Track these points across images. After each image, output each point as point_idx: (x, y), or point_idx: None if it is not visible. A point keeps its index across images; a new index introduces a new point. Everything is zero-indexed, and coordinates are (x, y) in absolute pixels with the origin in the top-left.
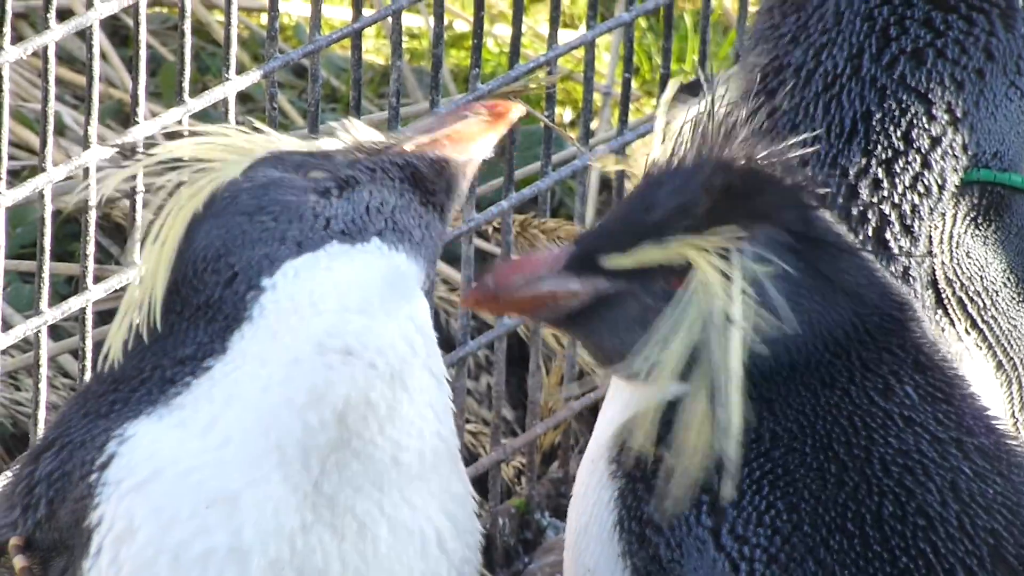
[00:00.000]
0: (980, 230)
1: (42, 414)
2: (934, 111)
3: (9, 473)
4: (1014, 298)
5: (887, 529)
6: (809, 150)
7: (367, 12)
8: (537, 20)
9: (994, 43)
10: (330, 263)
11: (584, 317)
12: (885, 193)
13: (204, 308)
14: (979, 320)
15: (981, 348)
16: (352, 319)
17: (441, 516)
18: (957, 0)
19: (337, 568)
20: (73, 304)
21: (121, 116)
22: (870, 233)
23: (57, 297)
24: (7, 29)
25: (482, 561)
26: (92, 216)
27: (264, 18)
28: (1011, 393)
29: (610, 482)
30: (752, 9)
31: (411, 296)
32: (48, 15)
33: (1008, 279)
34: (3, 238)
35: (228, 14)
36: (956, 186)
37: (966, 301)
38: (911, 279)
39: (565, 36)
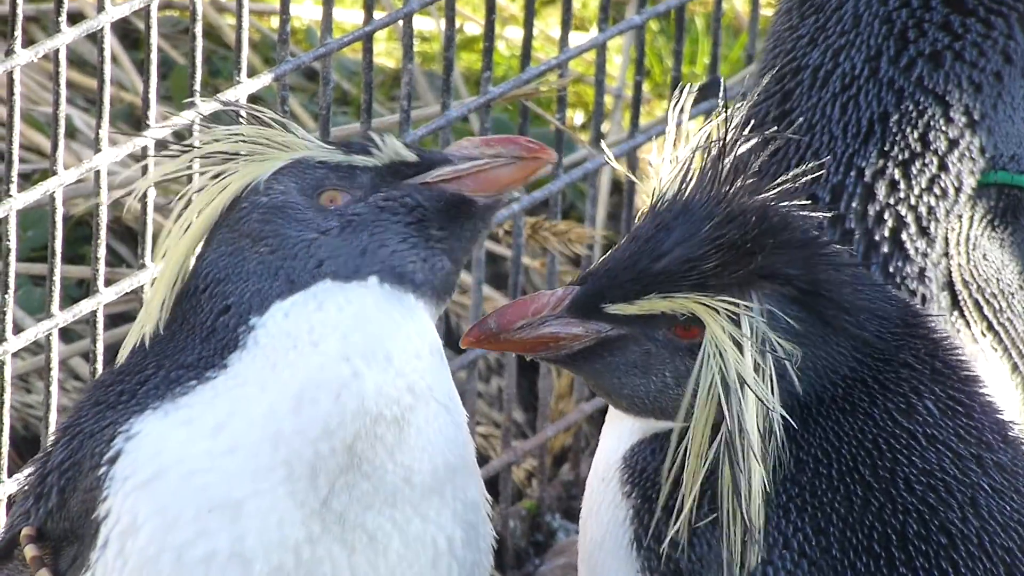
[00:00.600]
0: (997, 232)
1: (53, 417)
2: (952, 113)
3: (24, 472)
4: None
5: (911, 549)
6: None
7: (378, 15)
8: (548, 23)
9: (1012, 46)
10: (320, 303)
11: (584, 358)
12: (902, 195)
13: (201, 328)
14: (995, 322)
15: (997, 350)
16: (354, 356)
17: (454, 525)
18: (975, 3)
19: None
20: (84, 307)
21: (132, 119)
22: (887, 234)
23: (68, 300)
24: (19, 32)
25: (493, 563)
26: (103, 219)
27: (275, 21)
28: None
29: (624, 501)
30: (763, 12)
31: (418, 323)
32: (59, 18)
33: None
34: (14, 241)
35: (239, 17)
36: (973, 188)
37: (982, 303)
38: (927, 280)
39: (576, 39)
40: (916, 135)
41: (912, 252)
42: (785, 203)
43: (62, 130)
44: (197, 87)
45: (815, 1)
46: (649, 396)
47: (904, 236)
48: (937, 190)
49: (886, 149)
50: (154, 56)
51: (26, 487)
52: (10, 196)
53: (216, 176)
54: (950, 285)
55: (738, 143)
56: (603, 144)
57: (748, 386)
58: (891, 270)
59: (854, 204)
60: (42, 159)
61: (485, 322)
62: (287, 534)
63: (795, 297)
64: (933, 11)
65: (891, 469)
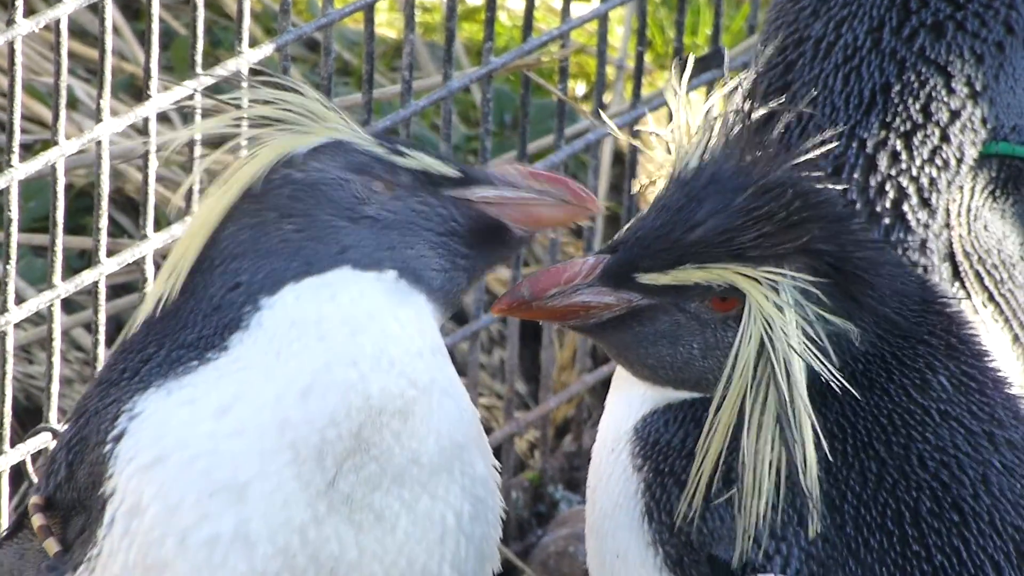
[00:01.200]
0: (998, 203)
1: (55, 388)
2: (953, 84)
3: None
4: None
5: (924, 526)
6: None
7: None
8: None
9: (1014, 16)
10: (334, 293)
11: (613, 327)
12: (903, 166)
13: (208, 303)
14: (996, 293)
15: (997, 321)
16: (361, 349)
17: (463, 500)
18: None
19: (354, 555)
20: (86, 277)
21: (133, 90)
22: (888, 205)
23: (70, 271)
24: (20, 3)
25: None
26: (104, 189)
27: None
28: None
29: (635, 474)
30: None
31: (422, 323)
32: None
33: None
34: (16, 211)
35: None
36: (974, 160)
37: (983, 274)
38: (928, 252)
39: (578, 9)
40: (918, 106)
41: (913, 223)
42: (810, 176)
43: (63, 101)
44: (198, 58)
45: None
46: (674, 367)
47: (906, 207)
48: (939, 161)
49: (888, 120)
50: (155, 26)
51: (40, 468)
52: (11, 167)
53: (252, 141)
54: (951, 256)
55: (757, 112)
56: (604, 115)
57: (797, 353)
58: (893, 241)
59: (856, 175)
60: (43, 130)
61: (518, 289)
62: (292, 515)
63: (826, 272)
64: None
65: (905, 445)
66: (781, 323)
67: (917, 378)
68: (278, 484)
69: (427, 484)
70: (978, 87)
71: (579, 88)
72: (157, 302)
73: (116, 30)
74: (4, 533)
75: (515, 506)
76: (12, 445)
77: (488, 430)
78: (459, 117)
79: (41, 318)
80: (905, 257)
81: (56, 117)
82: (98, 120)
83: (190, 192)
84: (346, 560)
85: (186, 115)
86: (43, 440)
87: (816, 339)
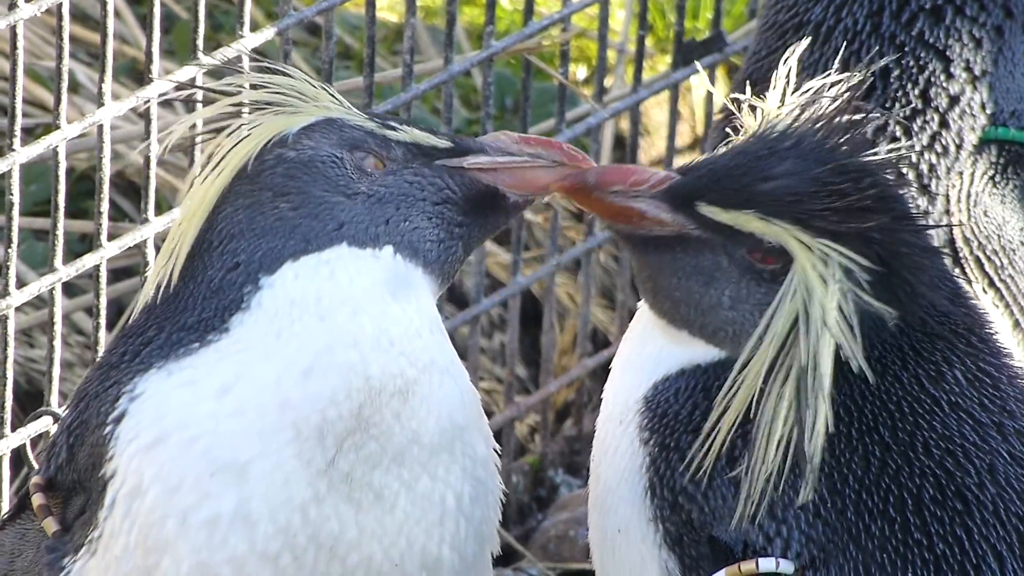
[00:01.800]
0: (998, 189)
1: (56, 371)
2: (952, 69)
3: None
4: None
5: (926, 514)
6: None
7: None
8: None
9: (1013, 0)
10: (333, 271)
11: (656, 246)
12: (903, 152)
13: (208, 285)
14: (996, 279)
15: (998, 307)
16: (362, 330)
17: (463, 481)
18: None
19: (353, 534)
20: (87, 261)
21: (135, 74)
22: None
23: (71, 255)
24: None
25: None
26: (106, 173)
27: None
28: None
29: (641, 448)
30: None
31: (420, 301)
32: None
33: None
34: (17, 195)
35: None
36: (974, 145)
37: (983, 260)
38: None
39: None
40: (917, 91)
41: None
42: (891, 173)
43: (65, 84)
44: (200, 42)
45: None
46: (700, 308)
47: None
48: (938, 147)
49: (887, 106)
50: (157, 10)
51: (40, 452)
52: (13, 150)
53: (244, 124)
54: (951, 242)
55: (854, 99)
56: (604, 102)
57: (830, 328)
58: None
59: None
60: (45, 113)
61: (584, 174)
62: (293, 494)
63: (875, 261)
64: None
65: (911, 432)
66: (821, 295)
67: (932, 370)
68: (279, 463)
69: (427, 464)
70: (977, 72)
71: (580, 72)
72: (157, 287)
73: (118, 14)
74: (6, 515)
75: (515, 490)
76: (13, 429)
77: (488, 414)
78: (460, 101)
79: (42, 302)
80: None
81: (58, 101)
82: (100, 104)
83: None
84: (346, 539)
85: (187, 99)
86: (44, 424)
87: (848, 319)
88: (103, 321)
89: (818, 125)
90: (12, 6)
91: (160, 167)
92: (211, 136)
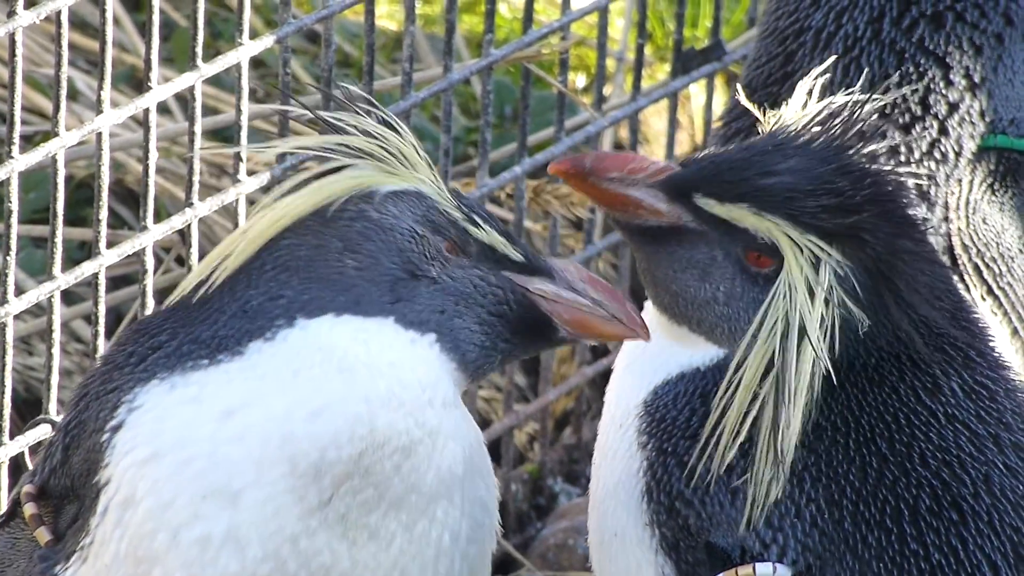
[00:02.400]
0: (996, 196)
1: (54, 379)
2: (952, 76)
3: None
4: None
5: (923, 524)
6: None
7: None
8: None
9: (1013, 8)
10: (370, 338)
11: (652, 237)
12: (902, 158)
13: (244, 302)
14: (995, 286)
15: (996, 314)
16: (375, 390)
17: (460, 522)
18: None
19: (346, 565)
20: (86, 269)
21: (134, 81)
22: None
23: (70, 262)
24: None
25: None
26: (105, 181)
27: None
28: None
29: (639, 452)
30: None
31: (440, 382)
32: None
33: None
34: (16, 203)
35: None
36: (973, 152)
37: (982, 267)
38: None
39: (578, 2)
40: (916, 98)
41: None
42: (893, 174)
43: (64, 92)
44: (199, 49)
45: None
46: (694, 303)
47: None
48: (937, 154)
49: (887, 112)
50: (156, 18)
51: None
52: (12, 158)
53: (342, 164)
54: (950, 249)
55: (869, 103)
56: (603, 110)
57: (809, 337)
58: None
59: None
60: (44, 121)
61: (581, 159)
62: (284, 525)
63: (869, 266)
64: None
65: (907, 443)
66: (803, 302)
67: (929, 382)
68: (271, 495)
69: (426, 510)
70: (976, 79)
71: (579, 80)
72: (197, 286)
73: (117, 21)
74: None
75: (514, 499)
76: (11, 437)
77: (487, 423)
78: (459, 109)
79: (41, 309)
80: None
81: (57, 108)
82: (98, 111)
83: (191, 185)
84: (338, 570)
85: (186, 107)
86: (42, 432)
87: (831, 324)
88: (102, 329)
89: (832, 129)
90: (11, 13)
91: (159, 175)
92: (210, 143)
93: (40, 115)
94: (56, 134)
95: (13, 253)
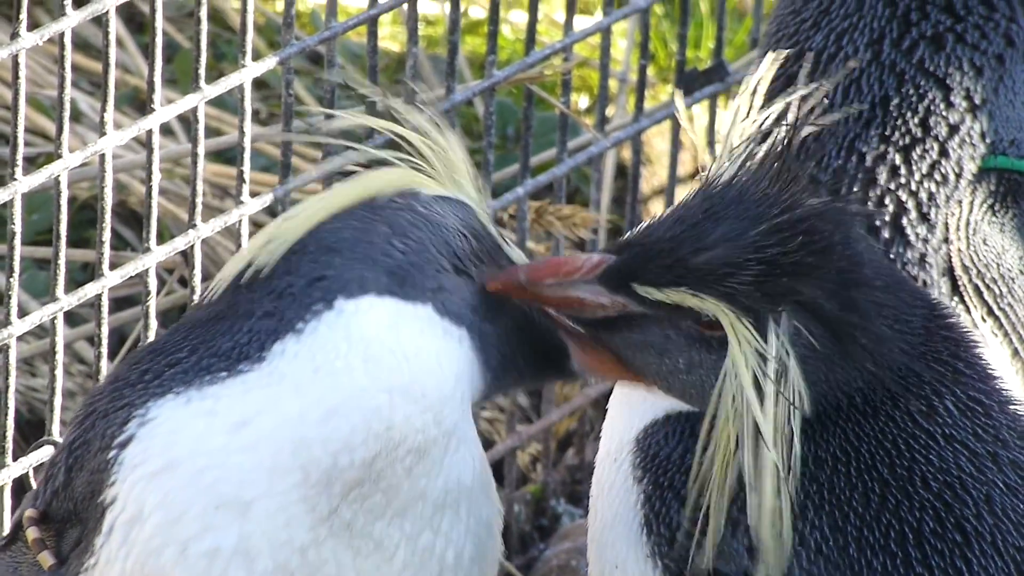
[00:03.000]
0: (997, 217)
1: (58, 400)
2: (952, 98)
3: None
4: None
5: (927, 547)
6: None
7: None
8: (553, 7)
9: (1014, 29)
10: (404, 322)
11: (605, 327)
12: (903, 180)
13: (273, 298)
14: (995, 307)
15: (997, 335)
16: (399, 376)
17: (465, 539)
18: None
19: None
20: (89, 290)
21: (137, 103)
22: (887, 219)
23: (73, 283)
24: (24, 15)
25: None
26: (108, 202)
27: (280, 5)
28: None
29: (635, 485)
30: None
31: (462, 378)
32: (64, 1)
33: None
34: (19, 224)
35: (244, 1)
36: (973, 173)
37: (982, 288)
38: (927, 266)
39: (581, 23)
40: (917, 120)
41: (913, 238)
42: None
43: (67, 113)
44: (202, 71)
45: None
46: (660, 376)
47: (904, 222)
48: (938, 176)
49: (887, 134)
50: (159, 39)
51: (42, 469)
52: (15, 179)
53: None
54: (950, 271)
55: (800, 136)
56: (606, 131)
57: (757, 412)
58: (892, 256)
59: (855, 189)
60: (47, 142)
61: (515, 272)
62: (294, 535)
63: (821, 319)
64: None
65: (908, 467)
66: (749, 383)
67: (923, 404)
68: (283, 505)
69: (431, 519)
70: (977, 100)
71: (582, 101)
72: (245, 267)
73: (120, 43)
74: (0, 545)
75: (517, 520)
76: (15, 458)
77: (490, 444)
78: (462, 130)
79: (44, 331)
80: (904, 272)
81: (60, 130)
82: (101, 133)
83: (194, 206)
84: None
85: (189, 128)
86: (46, 453)
87: (795, 382)
88: (105, 350)
89: (761, 173)
90: (14, 35)
91: (162, 196)
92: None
93: (43, 136)
94: (59, 155)
95: (16, 274)
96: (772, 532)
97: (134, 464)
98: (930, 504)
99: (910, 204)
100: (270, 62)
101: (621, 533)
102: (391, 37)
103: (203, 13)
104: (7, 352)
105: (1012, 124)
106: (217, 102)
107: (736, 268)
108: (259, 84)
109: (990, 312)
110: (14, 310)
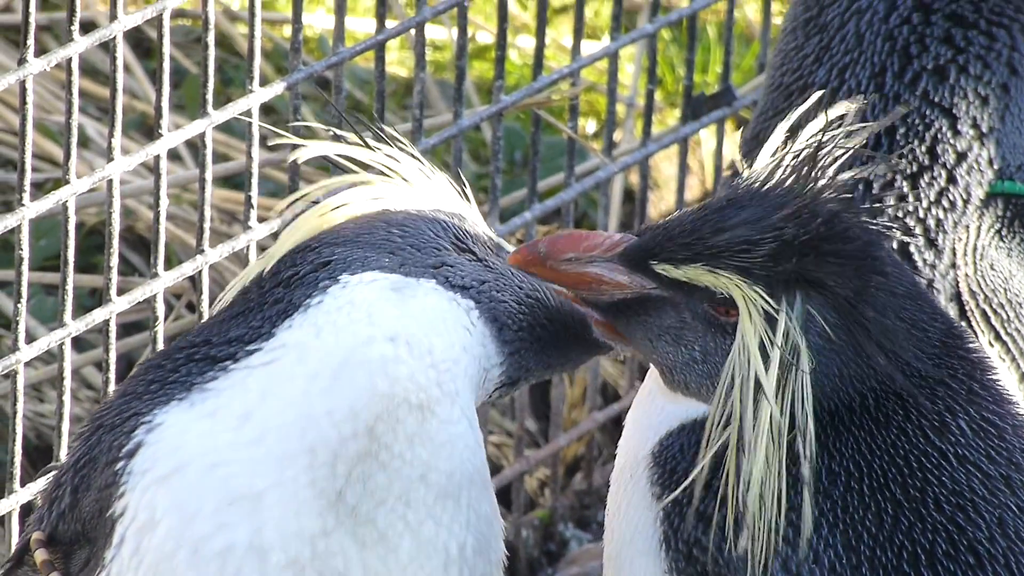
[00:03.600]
0: (1004, 242)
1: (66, 426)
2: (959, 126)
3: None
4: None
5: (940, 569)
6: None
7: (390, 24)
8: (560, 32)
9: (1017, 58)
10: (411, 295)
11: (623, 310)
12: (910, 207)
13: (283, 286)
14: (1003, 332)
15: (1004, 360)
16: (406, 327)
17: (466, 532)
18: (976, 16)
19: (358, 572)
20: (96, 316)
21: (144, 128)
22: (895, 246)
23: (80, 309)
24: (31, 41)
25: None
26: (115, 228)
27: (287, 30)
28: None
29: (654, 502)
30: (775, 20)
31: (469, 351)
32: (72, 27)
33: None
34: (27, 250)
35: (252, 26)
36: (980, 199)
37: (990, 313)
38: (935, 292)
39: (588, 48)
40: (924, 148)
41: (920, 264)
42: (856, 212)
43: (74, 139)
44: (210, 96)
45: (818, 22)
46: (676, 367)
47: (912, 248)
48: (945, 203)
49: (894, 162)
50: (166, 65)
51: (45, 490)
52: (23, 205)
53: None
54: (957, 296)
55: (835, 145)
56: (613, 156)
57: (762, 388)
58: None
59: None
60: (54, 168)
61: (535, 244)
62: (304, 525)
63: (836, 306)
64: (934, 26)
65: (921, 488)
66: (757, 362)
67: (936, 420)
68: (294, 491)
69: (432, 508)
70: (984, 128)
71: (589, 126)
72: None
73: (127, 68)
74: (5, 568)
75: (525, 545)
76: (23, 484)
77: (498, 468)
78: (469, 155)
79: (52, 356)
80: None
81: (67, 155)
82: (109, 159)
83: (201, 231)
84: None
85: (197, 153)
86: None
87: (802, 372)
88: (113, 376)
89: (795, 171)
90: (22, 61)
91: (170, 222)
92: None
93: (51, 162)
94: (67, 181)
95: (24, 300)
96: (758, 503)
97: (143, 470)
98: (943, 526)
99: (918, 231)
100: (278, 87)
101: (640, 549)
102: (399, 62)
103: (210, 39)
104: (15, 378)
105: (1019, 150)
106: (225, 127)
107: (753, 246)
108: (267, 109)
109: (997, 337)
110: (22, 336)
